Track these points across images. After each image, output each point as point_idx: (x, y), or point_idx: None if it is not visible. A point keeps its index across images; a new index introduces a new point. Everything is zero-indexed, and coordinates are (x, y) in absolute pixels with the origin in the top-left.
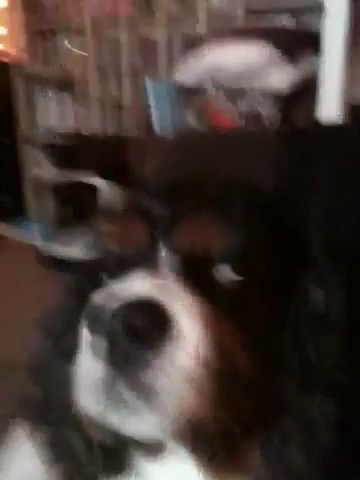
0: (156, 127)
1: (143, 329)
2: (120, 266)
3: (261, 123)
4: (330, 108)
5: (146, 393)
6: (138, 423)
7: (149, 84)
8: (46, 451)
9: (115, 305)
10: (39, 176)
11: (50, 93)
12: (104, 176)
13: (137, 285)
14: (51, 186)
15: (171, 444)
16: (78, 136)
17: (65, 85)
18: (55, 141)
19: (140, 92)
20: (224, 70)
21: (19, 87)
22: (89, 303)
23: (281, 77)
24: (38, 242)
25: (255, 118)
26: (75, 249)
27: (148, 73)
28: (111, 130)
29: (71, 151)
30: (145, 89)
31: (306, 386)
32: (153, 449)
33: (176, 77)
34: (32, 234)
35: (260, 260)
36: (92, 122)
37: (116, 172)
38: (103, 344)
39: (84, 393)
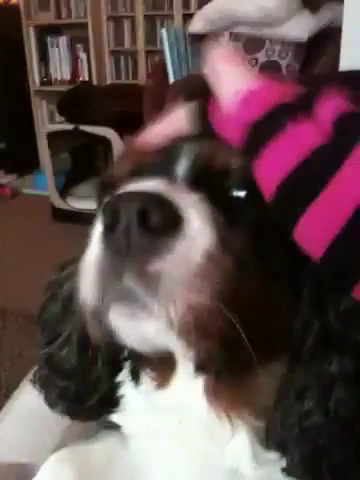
0: (171, 77)
1: (156, 222)
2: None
3: (279, 73)
4: (353, 56)
5: (155, 285)
6: (145, 321)
7: (164, 34)
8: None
9: (129, 198)
10: (53, 129)
11: (62, 44)
12: (117, 128)
13: (151, 184)
14: (65, 139)
15: (178, 357)
16: (91, 87)
17: (78, 35)
18: (68, 93)
19: (155, 42)
20: (241, 18)
21: (30, 37)
22: (106, 199)
23: (301, 25)
24: (52, 196)
25: (273, 68)
26: (90, 202)
27: (163, 22)
28: (125, 81)
29: (84, 103)
30: (160, 39)
31: (322, 337)
32: (160, 366)
33: (192, 26)
34: (46, 188)
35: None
36: (106, 73)
37: (130, 123)
38: (115, 235)
39: (92, 289)
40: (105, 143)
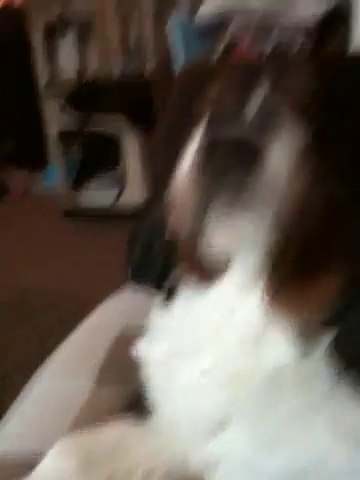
0: (178, 63)
1: (246, 155)
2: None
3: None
4: None
5: (241, 205)
6: (230, 232)
7: (172, 23)
8: None
9: (227, 125)
10: (63, 125)
11: (69, 37)
12: (128, 120)
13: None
14: (75, 134)
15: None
16: (99, 81)
17: (85, 28)
18: (76, 87)
19: (163, 33)
20: (250, 5)
21: (36, 33)
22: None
23: (311, 6)
24: (63, 193)
25: (285, 48)
26: (101, 198)
27: (171, 12)
28: (134, 73)
29: (94, 97)
30: (168, 28)
31: None
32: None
33: (200, 14)
34: (57, 185)
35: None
36: (114, 65)
37: (140, 116)
38: (213, 159)
39: (183, 213)
40: (115, 136)
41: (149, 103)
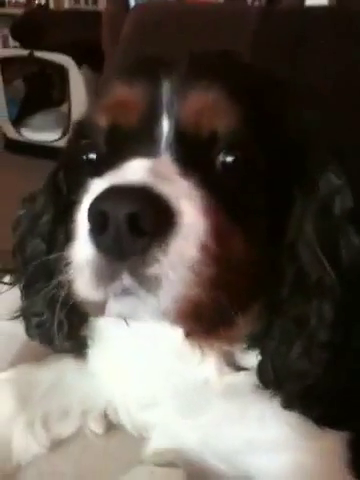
0: (131, 3)
1: (146, 225)
2: (116, 146)
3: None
4: None
5: (152, 283)
6: (138, 308)
7: None
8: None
9: (115, 196)
10: (6, 55)
11: None
12: (75, 56)
13: (138, 173)
14: (19, 67)
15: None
16: (47, 11)
17: None
18: (23, 17)
19: None
20: None
21: None
22: (88, 192)
23: None
24: (5, 126)
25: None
26: (46, 134)
27: None
28: (84, 6)
29: (40, 30)
30: None
31: (302, 286)
32: None
33: None
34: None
35: (265, 145)
36: None
37: (87, 51)
38: (105, 240)
39: (82, 280)
40: (61, 71)
41: (97, 39)
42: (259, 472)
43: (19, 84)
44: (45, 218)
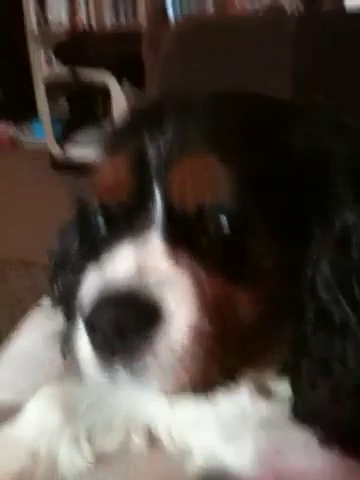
0: (171, 20)
1: (133, 329)
2: (112, 221)
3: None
4: None
5: (142, 373)
6: (139, 388)
7: None
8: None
9: (100, 307)
10: (51, 76)
11: None
12: (116, 74)
13: (124, 269)
14: (63, 86)
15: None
16: (89, 31)
17: None
18: (65, 38)
19: None
20: None
21: None
22: (80, 295)
23: None
24: (51, 145)
25: (276, 8)
26: (89, 150)
27: None
28: (124, 24)
29: (82, 48)
30: None
31: (324, 326)
32: None
33: None
34: (45, 137)
35: (266, 199)
36: (105, 16)
37: (129, 70)
38: (94, 336)
39: (83, 359)
40: (103, 89)
41: (138, 57)
42: None
43: (63, 103)
44: (75, 252)
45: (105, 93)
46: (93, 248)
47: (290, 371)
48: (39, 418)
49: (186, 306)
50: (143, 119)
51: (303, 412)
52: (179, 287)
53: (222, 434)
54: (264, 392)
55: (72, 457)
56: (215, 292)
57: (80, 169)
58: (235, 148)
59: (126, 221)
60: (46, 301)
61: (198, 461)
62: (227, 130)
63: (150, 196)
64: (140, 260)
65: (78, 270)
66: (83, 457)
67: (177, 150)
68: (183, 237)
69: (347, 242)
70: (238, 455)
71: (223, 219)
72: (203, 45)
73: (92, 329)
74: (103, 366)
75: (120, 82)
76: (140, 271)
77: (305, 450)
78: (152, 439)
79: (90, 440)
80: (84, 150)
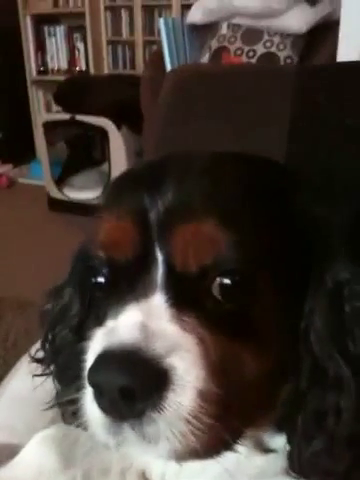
0: (168, 67)
1: (136, 390)
2: (116, 276)
3: (277, 64)
4: (350, 49)
5: (149, 437)
6: (146, 453)
7: (162, 23)
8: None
9: (106, 370)
10: (50, 119)
11: (60, 33)
12: (115, 119)
13: (129, 331)
14: (62, 129)
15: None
16: (88, 77)
17: (75, 25)
18: (65, 83)
19: (152, 32)
20: (240, 9)
21: (27, 27)
22: (87, 359)
23: (299, 17)
24: (49, 186)
25: (271, 60)
26: (87, 192)
27: (161, 12)
28: (123, 71)
29: (81, 93)
30: (158, 29)
31: (319, 380)
32: None
33: (190, 16)
34: (43, 178)
35: (265, 258)
36: (103, 63)
37: (126, 113)
38: (102, 399)
39: (90, 422)
40: (102, 133)
41: (136, 102)
42: None
43: (62, 146)
44: (74, 310)
45: (103, 137)
46: (92, 309)
47: (286, 425)
48: (37, 461)
49: (194, 370)
50: (145, 178)
51: (298, 464)
52: (186, 351)
53: None
54: (261, 447)
55: None
56: (220, 354)
57: (77, 210)
58: (235, 211)
59: (129, 282)
60: (35, 352)
61: None
62: (227, 193)
63: (152, 258)
64: (145, 323)
65: (73, 331)
66: None
67: (177, 214)
68: (187, 299)
69: (338, 297)
70: None
71: (226, 281)
72: (200, 91)
73: (99, 392)
74: (112, 429)
75: (119, 127)
76: (146, 334)
77: None
78: None
79: None
80: (81, 192)
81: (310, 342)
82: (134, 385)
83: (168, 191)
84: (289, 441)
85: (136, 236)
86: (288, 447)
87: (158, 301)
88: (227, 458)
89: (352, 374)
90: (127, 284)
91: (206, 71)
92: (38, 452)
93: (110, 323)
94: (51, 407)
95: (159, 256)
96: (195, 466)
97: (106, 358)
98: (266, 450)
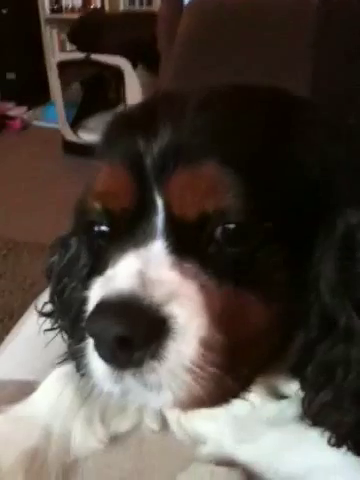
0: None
1: (134, 339)
2: (115, 226)
3: None
4: None
5: (151, 385)
6: (149, 402)
7: None
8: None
9: (103, 319)
10: (64, 59)
11: None
12: (130, 57)
13: (128, 279)
14: (76, 69)
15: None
16: (103, 14)
17: None
18: (79, 21)
19: None
20: None
21: None
22: (88, 309)
23: None
24: (63, 129)
25: None
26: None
27: None
28: (139, 8)
29: (96, 31)
30: None
31: (328, 329)
32: None
33: None
34: (57, 121)
35: (271, 203)
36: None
37: (142, 52)
38: (103, 351)
39: (97, 376)
40: (117, 74)
41: (153, 40)
42: None
43: (76, 88)
44: (82, 261)
45: (119, 77)
46: (96, 258)
47: (298, 373)
48: (54, 397)
49: (196, 318)
50: (138, 120)
51: (310, 413)
52: (187, 298)
53: (232, 429)
54: (274, 393)
55: (85, 437)
56: (224, 302)
57: (92, 153)
58: (237, 151)
59: (128, 230)
60: (43, 306)
61: (208, 448)
62: (228, 131)
63: (152, 204)
64: (144, 271)
65: (82, 282)
66: (96, 437)
67: (174, 156)
68: (189, 247)
69: (350, 242)
70: (247, 450)
71: (229, 227)
72: (219, 28)
73: (98, 342)
74: (114, 379)
75: (134, 66)
76: (144, 282)
77: (314, 448)
78: (165, 422)
79: (103, 421)
80: (96, 134)
81: (320, 290)
82: (130, 334)
83: (163, 132)
84: (302, 388)
85: (132, 184)
86: (301, 394)
87: (158, 248)
88: (240, 405)
89: None
90: (127, 232)
91: (224, 5)
92: (55, 389)
93: (109, 272)
94: (64, 360)
95: (158, 202)
96: (211, 411)
97: (103, 307)
98: (279, 396)
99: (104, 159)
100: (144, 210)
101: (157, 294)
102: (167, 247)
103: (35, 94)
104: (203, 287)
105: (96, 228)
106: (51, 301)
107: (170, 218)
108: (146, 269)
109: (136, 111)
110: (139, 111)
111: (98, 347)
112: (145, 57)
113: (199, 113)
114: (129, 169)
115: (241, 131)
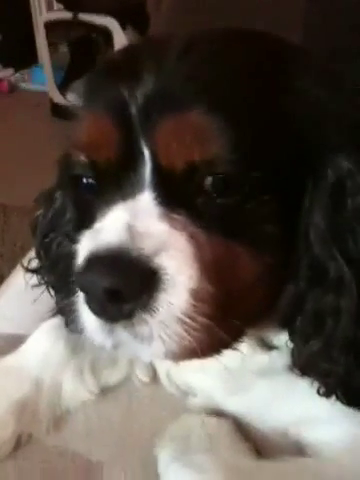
0: None
1: (124, 291)
2: (102, 178)
3: None
4: None
5: (143, 337)
6: (140, 353)
7: None
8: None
9: (92, 272)
10: (51, 19)
11: None
12: (119, 18)
13: (116, 231)
14: (64, 30)
15: None
16: None
17: None
18: None
19: None
20: None
21: None
22: (77, 263)
23: None
24: (51, 91)
25: None
26: None
27: None
28: None
29: None
30: None
31: (318, 280)
32: None
33: None
34: (45, 84)
35: (260, 151)
36: None
37: (131, 13)
38: (93, 305)
39: (84, 322)
40: (106, 34)
41: (142, 1)
42: (313, 443)
43: (64, 52)
44: (67, 215)
45: (107, 38)
46: (82, 212)
47: (288, 324)
48: (44, 348)
49: (186, 269)
50: (122, 67)
51: (299, 363)
52: (177, 249)
53: (223, 380)
54: (264, 344)
55: (76, 388)
56: (214, 253)
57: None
58: (224, 98)
59: (115, 182)
60: (28, 262)
61: (198, 400)
62: (215, 75)
63: (138, 155)
64: (132, 223)
65: (69, 237)
66: (87, 388)
67: (159, 103)
68: (177, 198)
69: (341, 190)
70: (238, 401)
71: (218, 177)
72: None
73: (88, 295)
74: (105, 331)
75: (123, 28)
76: (133, 234)
77: (304, 398)
78: (155, 375)
79: (94, 372)
80: None
81: (310, 241)
82: (119, 286)
83: (148, 78)
84: (291, 339)
85: (117, 134)
86: (291, 344)
87: (146, 200)
88: (230, 356)
89: (353, 275)
90: (114, 184)
91: None
92: (45, 340)
93: (97, 225)
94: (53, 316)
95: (146, 152)
96: (201, 363)
97: (92, 261)
98: (269, 347)
99: (86, 109)
100: (131, 161)
101: (146, 246)
102: (155, 198)
103: (22, 55)
104: (192, 238)
105: (82, 181)
106: (37, 256)
107: (157, 169)
108: (134, 221)
109: (119, 57)
110: (122, 57)
111: (88, 301)
112: (134, 18)
113: (184, 57)
114: (113, 118)
115: (229, 78)
